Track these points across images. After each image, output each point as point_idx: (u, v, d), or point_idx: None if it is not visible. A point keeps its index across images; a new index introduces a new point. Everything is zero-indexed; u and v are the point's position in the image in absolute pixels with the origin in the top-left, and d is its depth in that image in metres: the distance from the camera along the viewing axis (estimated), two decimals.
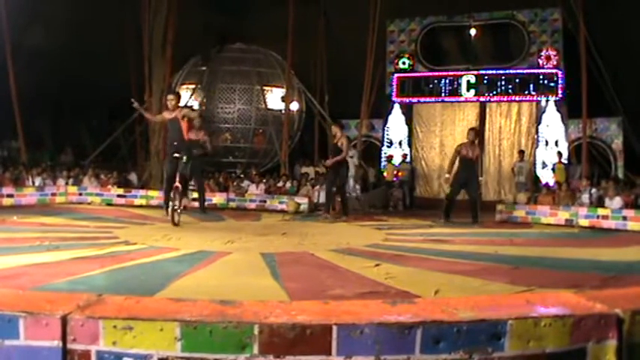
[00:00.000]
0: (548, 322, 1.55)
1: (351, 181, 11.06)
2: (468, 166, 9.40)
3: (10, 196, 10.75)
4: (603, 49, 14.28)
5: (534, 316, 1.56)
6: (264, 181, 13.89)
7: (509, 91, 15.26)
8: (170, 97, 8.05)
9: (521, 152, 14.20)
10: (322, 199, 11.68)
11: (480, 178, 9.95)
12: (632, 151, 14.36)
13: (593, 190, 10.99)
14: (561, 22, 15.06)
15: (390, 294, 3.56)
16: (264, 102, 20.82)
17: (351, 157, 11.17)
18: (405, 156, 15.67)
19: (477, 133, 9.94)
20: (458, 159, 9.48)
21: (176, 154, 7.57)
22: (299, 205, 11.54)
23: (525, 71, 15.14)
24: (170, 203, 7.52)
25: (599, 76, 14.07)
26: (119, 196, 12.22)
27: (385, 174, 15.39)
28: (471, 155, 9.39)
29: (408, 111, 16.23)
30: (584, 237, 8.07)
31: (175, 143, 7.66)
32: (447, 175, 9.78)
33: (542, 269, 4.81)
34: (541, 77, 14.94)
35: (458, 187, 9.47)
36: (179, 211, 7.55)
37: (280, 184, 13.48)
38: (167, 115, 7.86)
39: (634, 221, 9.03)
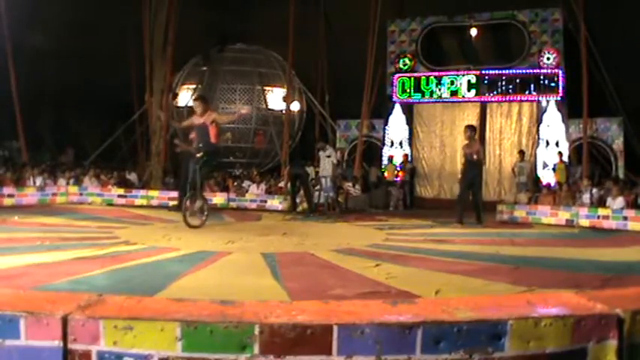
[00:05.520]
0: (548, 322, 1.55)
1: (327, 181, 11.17)
2: (473, 163, 9.41)
3: (10, 196, 10.76)
4: (604, 49, 14.28)
5: (535, 316, 1.56)
6: (265, 181, 13.92)
7: (510, 91, 15.26)
8: (195, 103, 7.86)
9: (522, 152, 14.19)
10: (322, 199, 11.73)
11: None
12: (632, 151, 14.36)
13: (594, 190, 10.99)
14: (562, 22, 15.05)
15: (390, 294, 3.56)
16: (265, 102, 20.86)
17: (328, 156, 11.23)
18: (406, 156, 15.68)
19: (474, 129, 9.93)
20: (464, 159, 9.55)
21: (198, 155, 7.42)
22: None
23: (526, 71, 15.14)
24: (186, 203, 7.50)
25: (599, 76, 14.06)
26: (120, 196, 12.24)
27: (386, 174, 15.40)
28: (470, 151, 9.41)
29: (408, 111, 16.22)
30: (584, 237, 8.06)
31: (200, 145, 7.50)
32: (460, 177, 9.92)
33: (543, 269, 4.81)
34: (542, 77, 14.94)
35: (467, 186, 9.48)
36: (205, 212, 7.57)
37: (281, 184, 13.50)
38: (196, 120, 7.67)
39: (634, 221, 9.02)
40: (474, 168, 9.45)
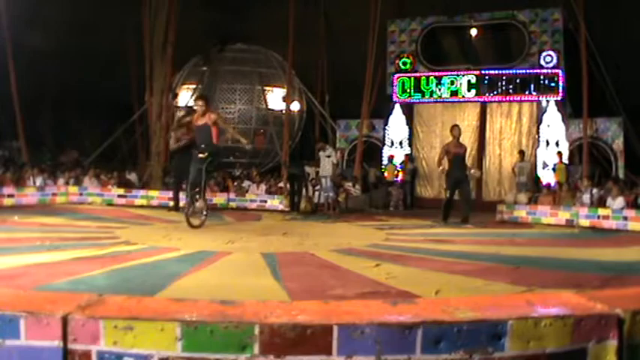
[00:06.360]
0: (548, 322, 1.55)
1: (327, 181, 11.22)
2: (459, 163, 9.34)
3: (10, 196, 10.76)
4: (604, 49, 14.28)
5: (535, 316, 1.56)
6: (265, 181, 13.92)
7: (510, 91, 15.26)
8: (199, 102, 7.80)
9: (522, 152, 14.19)
10: (322, 199, 11.75)
11: (473, 171, 9.98)
12: (632, 151, 14.36)
13: (594, 190, 10.98)
14: (562, 22, 15.06)
15: (390, 294, 3.55)
16: (265, 102, 20.85)
17: (328, 156, 11.25)
18: (407, 157, 15.67)
19: (460, 130, 9.82)
20: (448, 158, 9.32)
21: (201, 155, 7.42)
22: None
23: (526, 71, 15.14)
24: (191, 205, 7.46)
25: (599, 76, 14.07)
26: (120, 196, 12.24)
27: (386, 174, 15.39)
28: (460, 152, 9.35)
29: (408, 111, 16.23)
30: (584, 237, 8.06)
31: (203, 146, 7.48)
32: (440, 168, 9.49)
33: (543, 269, 4.81)
34: (542, 77, 14.94)
35: (453, 186, 9.40)
36: (205, 212, 7.57)
37: (281, 184, 13.50)
38: (197, 120, 7.63)
39: (634, 221, 9.02)
40: (460, 168, 9.33)
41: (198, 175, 7.45)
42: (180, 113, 8.77)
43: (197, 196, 7.50)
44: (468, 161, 9.92)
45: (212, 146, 7.53)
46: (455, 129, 9.60)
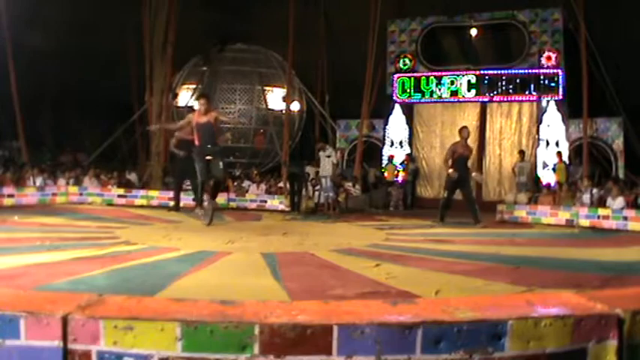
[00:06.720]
0: (548, 322, 1.55)
1: (327, 181, 11.25)
2: (463, 164, 9.33)
3: (10, 196, 10.76)
4: (604, 49, 14.28)
5: (535, 316, 1.56)
6: (265, 181, 13.92)
7: (510, 91, 15.26)
8: (201, 101, 7.84)
9: (522, 152, 14.18)
10: (322, 199, 11.75)
11: (474, 174, 10.05)
12: (632, 151, 14.36)
13: (594, 190, 10.98)
14: (562, 22, 15.06)
15: (390, 294, 3.55)
16: (265, 102, 20.82)
17: (328, 156, 11.27)
18: (408, 157, 15.66)
19: (469, 132, 9.83)
20: (453, 159, 9.27)
21: (208, 157, 7.50)
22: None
23: (526, 71, 15.14)
24: (203, 205, 7.55)
25: (599, 76, 14.06)
26: (120, 196, 12.24)
27: (386, 174, 15.39)
28: (466, 153, 9.36)
29: (408, 111, 16.23)
30: (584, 237, 8.06)
31: (209, 146, 7.55)
32: (450, 171, 9.28)
33: (543, 269, 4.81)
34: (542, 77, 14.94)
35: (453, 186, 9.38)
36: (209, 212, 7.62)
37: (281, 184, 13.50)
38: (198, 118, 7.67)
39: (634, 221, 9.02)
40: (464, 169, 9.32)
41: (206, 175, 7.54)
42: (180, 122, 8.97)
43: (216, 194, 7.62)
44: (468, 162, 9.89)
45: (216, 145, 7.61)
46: (464, 130, 9.60)
